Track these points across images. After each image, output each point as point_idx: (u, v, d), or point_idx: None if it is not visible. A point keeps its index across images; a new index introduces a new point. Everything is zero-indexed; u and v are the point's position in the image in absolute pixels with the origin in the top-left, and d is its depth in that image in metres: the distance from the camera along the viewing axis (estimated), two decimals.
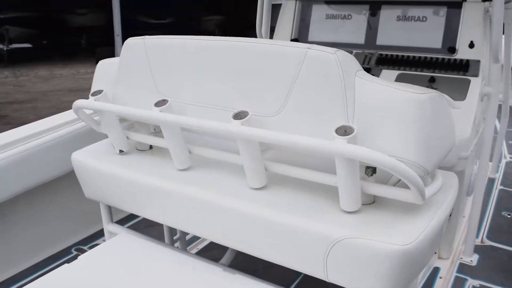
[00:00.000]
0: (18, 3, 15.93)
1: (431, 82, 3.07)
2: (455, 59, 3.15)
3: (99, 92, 2.28)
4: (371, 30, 3.47)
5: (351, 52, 3.46)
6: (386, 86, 1.66)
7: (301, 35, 3.73)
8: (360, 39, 3.50)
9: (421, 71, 3.18)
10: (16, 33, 16.33)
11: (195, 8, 17.26)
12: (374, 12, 3.47)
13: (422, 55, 3.26)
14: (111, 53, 16.49)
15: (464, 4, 3.17)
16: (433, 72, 3.15)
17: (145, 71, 2.21)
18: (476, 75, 3.01)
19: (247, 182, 1.99)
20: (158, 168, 2.23)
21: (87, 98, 2.27)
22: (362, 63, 3.36)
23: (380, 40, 3.44)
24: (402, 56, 3.30)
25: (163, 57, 2.14)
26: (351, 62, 1.72)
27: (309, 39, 3.70)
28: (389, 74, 3.23)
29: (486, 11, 3.14)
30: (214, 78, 2.01)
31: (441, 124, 1.74)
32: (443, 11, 3.24)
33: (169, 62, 2.12)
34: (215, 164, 2.23)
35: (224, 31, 16.93)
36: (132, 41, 2.24)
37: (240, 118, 1.82)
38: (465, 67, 3.08)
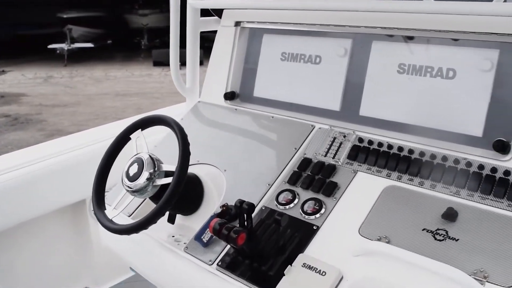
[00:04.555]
0: (81, 2, 15.30)
1: (447, 220, 1.36)
2: (507, 171, 1.40)
3: None
4: (352, 88, 1.79)
5: (311, 127, 1.80)
6: None
7: (243, 87, 2.12)
8: (333, 102, 1.84)
9: (433, 187, 1.46)
10: (79, 33, 15.76)
11: None
12: (359, 54, 1.78)
13: (441, 150, 1.54)
14: (167, 55, 15.41)
15: None
16: (457, 194, 1.43)
17: None
18: None
19: None
20: None
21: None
22: (325, 154, 1.69)
23: (366, 108, 1.76)
24: (400, 148, 1.59)
25: None
26: None
27: (255, 93, 2.07)
28: (369, 184, 1.55)
29: None
30: None
31: None
32: (490, 60, 1.50)
33: None
34: None
35: None
36: None
37: None
38: None
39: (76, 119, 9.65)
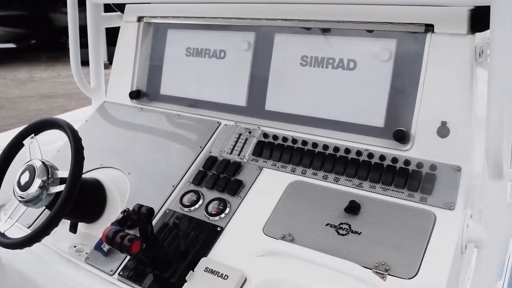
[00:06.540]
0: (0, 0, 14.38)
1: (350, 214, 1.33)
2: (407, 160, 1.39)
3: None
4: (258, 83, 1.73)
5: (217, 124, 1.73)
6: None
7: (150, 85, 2.01)
8: (239, 97, 1.77)
9: (336, 180, 1.43)
10: None
11: None
12: (262, 48, 1.72)
13: (344, 142, 1.51)
14: None
15: (431, 37, 1.41)
16: (360, 186, 1.40)
17: None
18: (451, 205, 1.27)
19: None
20: None
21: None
22: (231, 151, 1.62)
23: (271, 103, 1.71)
24: (304, 142, 1.54)
25: None
26: None
27: (162, 91, 1.97)
28: (274, 180, 1.50)
29: (478, 55, 1.37)
30: None
31: None
32: (388, 50, 1.48)
33: None
34: None
35: None
36: None
37: None
38: (429, 180, 1.33)
39: None
